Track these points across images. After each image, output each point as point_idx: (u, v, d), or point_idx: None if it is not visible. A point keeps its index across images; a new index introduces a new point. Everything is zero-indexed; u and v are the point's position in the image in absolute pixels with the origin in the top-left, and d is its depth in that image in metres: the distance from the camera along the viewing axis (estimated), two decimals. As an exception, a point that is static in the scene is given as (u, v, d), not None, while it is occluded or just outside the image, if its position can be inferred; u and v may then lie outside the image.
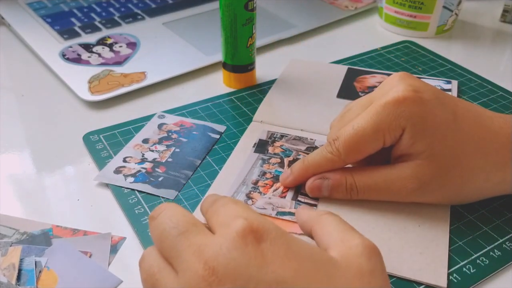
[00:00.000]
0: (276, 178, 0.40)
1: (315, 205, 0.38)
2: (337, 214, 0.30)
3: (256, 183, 0.40)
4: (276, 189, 0.39)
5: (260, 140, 0.45)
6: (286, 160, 0.42)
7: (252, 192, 0.39)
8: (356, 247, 0.26)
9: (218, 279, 0.23)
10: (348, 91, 0.51)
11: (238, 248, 0.24)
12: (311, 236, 0.30)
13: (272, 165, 0.42)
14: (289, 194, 0.39)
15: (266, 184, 0.40)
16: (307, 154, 0.43)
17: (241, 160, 0.42)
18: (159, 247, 0.27)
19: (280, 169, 0.41)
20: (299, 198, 0.38)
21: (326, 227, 0.28)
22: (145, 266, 0.27)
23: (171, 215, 0.27)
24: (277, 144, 0.44)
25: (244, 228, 0.24)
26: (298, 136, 0.45)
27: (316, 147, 0.43)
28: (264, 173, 0.41)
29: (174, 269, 0.25)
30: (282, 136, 0.45)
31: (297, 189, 0.39)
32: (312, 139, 0.45)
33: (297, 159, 0.42)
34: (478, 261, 0.34)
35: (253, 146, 0.44)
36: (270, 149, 0.44)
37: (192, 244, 0.25)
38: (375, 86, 0.52)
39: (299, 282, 0.24)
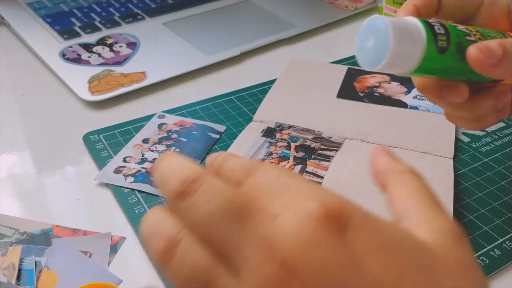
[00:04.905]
0: (282, 158, 0.42)
1: (320, 183, 0.39)
2: (421, 176, 0.23)
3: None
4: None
5: (268, 127, 0.46)
6: (293, 145, 0.43)
7: None
8: (449, 233, 0.21)
9: (292, 277, 0.17)
10: (348, 91, 0.51)
11: (322, 243, 0.18)
12: (382, 189, 0.24)
13: (279, 147, 0.43)
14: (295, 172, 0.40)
15: (272, 163, 0.41)
16: (314, 142, 0.44)
17: (248, 142, 0.44)
18: (203, 235, 0.19)
19: (287, 151, 0.42)
20: (304, 176, 0.39)
21: (408, 193, 0.22)
22: (183, 264, 0.19)
23: (217, 189, 0.19)
24: (285, 132, 0.45)
25: (324, 213, 0.18)
26: (305, 128, 0.46)
27: (323, 138, 0.44)
28: (270, 154, 0.42)
29: (232, 268, 0.18)
30: (290, 126, 0.46)
31: (303, 167, 0.40)
32: (319, 131, 0.45)
33: (303, 145, 0.43)
34: (478, 260, 0.34)
35: (261, 132, 0.45)
36: (278, 135, 0.45)
37: (257, 236, 0.18)
38: (375, 86, 0.52)
39: (403, 284, 0.18)
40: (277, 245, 0.18)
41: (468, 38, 0.29)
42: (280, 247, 0.18)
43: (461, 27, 0.30)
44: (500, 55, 0.28)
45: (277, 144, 0.43)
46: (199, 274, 0.19)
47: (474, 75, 0.30)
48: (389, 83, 0.52)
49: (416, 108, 0.48)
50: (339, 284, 0.17)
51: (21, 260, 0.34)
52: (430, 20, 0.29)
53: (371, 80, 0.53)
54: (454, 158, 0.42)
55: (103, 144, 0.45)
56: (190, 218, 0.19)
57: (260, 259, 0.18)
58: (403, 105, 0.49)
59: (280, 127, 0.46)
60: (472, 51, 0.28)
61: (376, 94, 0.51)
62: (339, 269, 0.17)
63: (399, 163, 0.24)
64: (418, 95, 0.50)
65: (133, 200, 0.39)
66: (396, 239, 0.19)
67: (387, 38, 0.26)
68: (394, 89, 0.51)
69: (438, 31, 0.28)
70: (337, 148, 0.43)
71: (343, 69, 0.55)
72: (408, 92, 0.51)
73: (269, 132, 0.45)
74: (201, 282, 0.19)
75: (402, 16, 0.30)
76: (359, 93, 0.51)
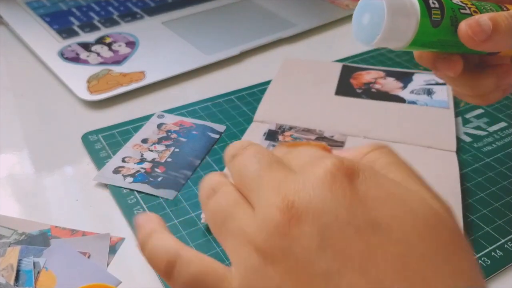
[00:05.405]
0: None
1: None
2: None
3: None
4: None
5: (270, 130, 0.45)
6: None
7: None
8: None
9: (297, 215, 0.20)
10: (345, 88, 0.51)
11: (325, 185, 0.20)
12: None
13: None
14: None
15: None
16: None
17: None
18: (238, 183, 0.25)
19: None
20: None
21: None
22: (219, 199, 0.24)
23: (255, 152, 0.25)
24: (287, 133, 0.45)
25: (333, 165, 0.20)
26: (306, 128, 0.45)
27: (325, 138, 0.44)
28: None
29: (251, 206, 0.23)
30: (291, 127, 0.46)
31: None
32: (321, 131, 0.45)
33: None
34: (480, 261, 0.34)
35: (263, 135, 0.45)
36: (281, 137, 0.44)
37: (273, 179, 0.22)
38: (371, 82, 0.52)
39: (397, 232, 0.19)
40: (285, 185, 0.21)
41: (462, 11, 0.29)
42: (287, 186, 0.21)
43: (456, 0, 0.30)
44: (490, 30, 0.28)
45: None
46: (226, 205, 0.24)
47: (468, 48, 0.30)
48: (385, 78, 0.53)
49: (414, 102, 0.49)
50: (331, 217, 0.19)
51: (19, 261, 0.33)
52: None
53: (366, 76, 0.53)
54: (457, 151, 0.43)
55: (102, 144, 0.44)
56: (232, 169, 0.25)
57: (270, 194, 0.21)
58: (401, 100, 0.49)
59: (282, 129, 0.45)
60: (462, 26, 0.29)
61: (373, 90, 0.51)
62: (335, 205, 0.19)
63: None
64: (415, 89, 0.50)
65: (132, 201, 0.39)
66: (402, 195, 0.20)
67: (382, 13, 0.27)
68: (391, 85, 0.51)
69: (432, 5, 0.28)
70: (341, 147, 0.43)
71: (338, 66, 0.55)
72: (404, 87, 0.51)
73: (271, 135, 0.45)
74: (226, 209, 0.24)
75: None
76: (357, 90, 0.51)
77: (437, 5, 0.28)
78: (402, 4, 0.27)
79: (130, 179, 0.40)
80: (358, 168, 0.20)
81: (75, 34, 0.62)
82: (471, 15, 0.29)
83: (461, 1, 0.30)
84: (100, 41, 0.60)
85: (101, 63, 0.56)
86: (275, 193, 0.21)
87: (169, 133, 0.46)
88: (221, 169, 0.41)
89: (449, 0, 0.30)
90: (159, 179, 0.40)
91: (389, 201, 0.20)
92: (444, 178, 0.39)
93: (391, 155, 0.23)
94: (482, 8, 0.30)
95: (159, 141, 0.45)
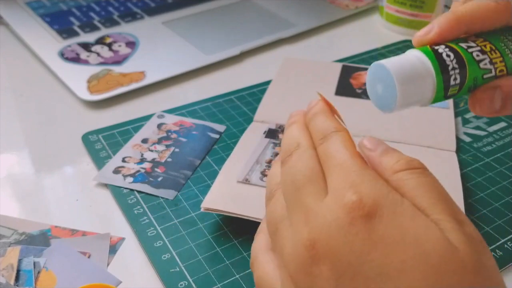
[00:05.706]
0: None
1: None
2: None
3: (269, 162, 0.41)
4: None
5: (270, 128, 0.45)
6: None
7: (266, 170, 0.40)
8: (474, 234, 0.21)
9: (318, 255, 0.21)
10: (345, 88, 0.51)
11: (342, 227, 0.21)
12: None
13: None
14: None
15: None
16: None
17: (252, 144, 0.43)
18: (283, 192, 0.25)
19: None
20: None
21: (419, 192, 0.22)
22: (271, 208, 0.26)
23: (297, 161, 0.25)
24: None
25: (353, 203, 0.21)
26: None
27: None
28: (277, 154, 0.42)
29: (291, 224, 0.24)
30: None
31: None
32: None
33: None
34: (479, 261, 0.34)
35: (263, 133, 0.45)
36: (280, 135, 0.44)
37: (304, 206, 0.23)
38: None
39: (405, 279, 0.19)
40: (311, 218, 0.22)
41: (486, 76, 0.27)
42: (312, 219, 0.22)
43: (485, 61, 0.26)
44: (499, 107, 0.27)
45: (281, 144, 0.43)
46: (275, 219, 0.25)
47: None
48: None
49: None
50: (345, 264, 0.20)
51: (19, 260, 0.34)
52: (445, 57, 0.26)
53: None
54: (456, 151, 0.43)
55: (102, 144, 0.45)
56: (281, 175, 0.26)
57: (299, 224, 0.23)
58: None
59: (282, 128, 0.45)
60: (474, 100, 0.28)
61: None
62: (348, 252, 0.20)
63: (394, 160, 0.24)
64: None
65: (132, 201, 0.39)
66: (419, 236, 0.20)
67: (393, 87, 0.26)
68: None
69: (452, 82, 0.26)
70: None
71: (337, 66, 0.55)
72: None
73: (271, 133, 0.45)
74: (275, 223, 0.25)
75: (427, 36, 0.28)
76: (356, 90, 0.51)
77: (457, 81, 0.26)
78: (413, 75, 0.26)
79: (130, 179, 0.40)
80: (377, 205, 0.21)
81: (75, 34, 0.62)
82: (494, 77, 0.27)
83: (490, 61, 0.26)
84: (100, 41, 0.60)
85: (101, 63, 0.56)
86: (303, 224, 0.23)
87: (169, 133, 0.46)
88: (230, 154, 0.41)
89: (476, 65, 0.26)
90: (159, 179, 0.40)
91: (402, 243, 0.20)
92: (445, 178, 0.39)
93: (422, 177, 0.23)
94: None
95: (159, 141, 0.45)
